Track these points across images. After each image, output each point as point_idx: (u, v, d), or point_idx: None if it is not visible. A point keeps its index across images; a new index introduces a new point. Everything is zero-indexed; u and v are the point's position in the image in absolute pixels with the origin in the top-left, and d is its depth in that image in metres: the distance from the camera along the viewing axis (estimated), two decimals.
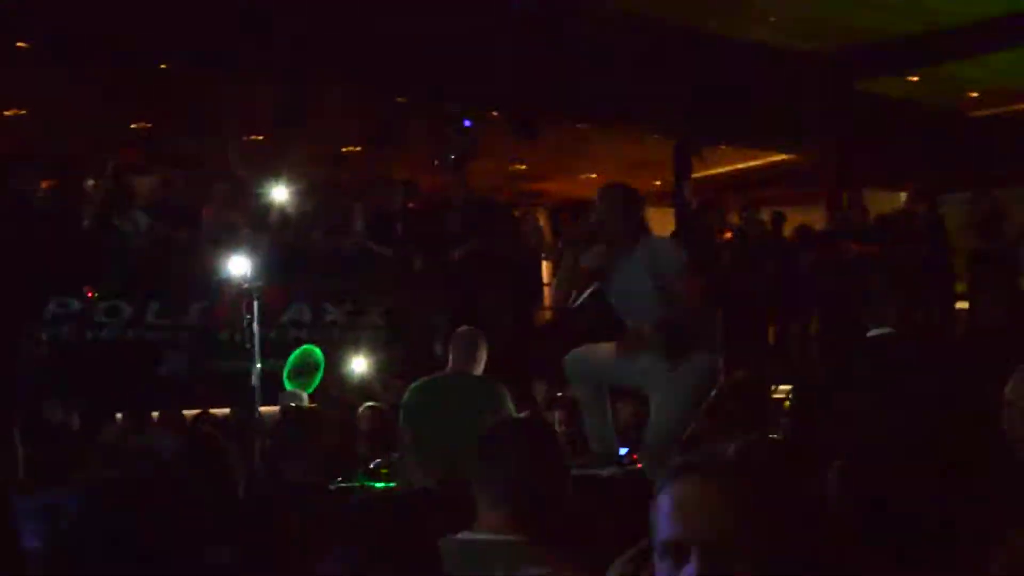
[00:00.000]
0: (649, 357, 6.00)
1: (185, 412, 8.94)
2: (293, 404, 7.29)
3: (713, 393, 6.03)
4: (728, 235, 14.34)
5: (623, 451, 6.39)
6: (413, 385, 6.89)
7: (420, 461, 6.40)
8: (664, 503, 2.30)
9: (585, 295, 6.32)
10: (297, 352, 7.68)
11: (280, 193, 11.64)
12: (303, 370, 7.57)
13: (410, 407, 6.74)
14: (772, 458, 3.42)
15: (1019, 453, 3.49)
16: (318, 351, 7.75)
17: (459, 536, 3.23)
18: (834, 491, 3.36)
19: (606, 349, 6.30)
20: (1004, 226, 13.56)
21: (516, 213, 14.20)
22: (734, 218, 14.53)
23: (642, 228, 6.22)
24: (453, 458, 5.86)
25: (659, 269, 5.97)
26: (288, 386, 7.49)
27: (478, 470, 3.36)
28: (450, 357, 6.83)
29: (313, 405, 7.35)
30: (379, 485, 6.56)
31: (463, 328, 7.00)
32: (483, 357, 6.85)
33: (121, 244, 10.90)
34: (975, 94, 14.82)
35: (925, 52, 12.89)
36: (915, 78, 14.05)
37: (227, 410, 8.85)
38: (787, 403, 7.74)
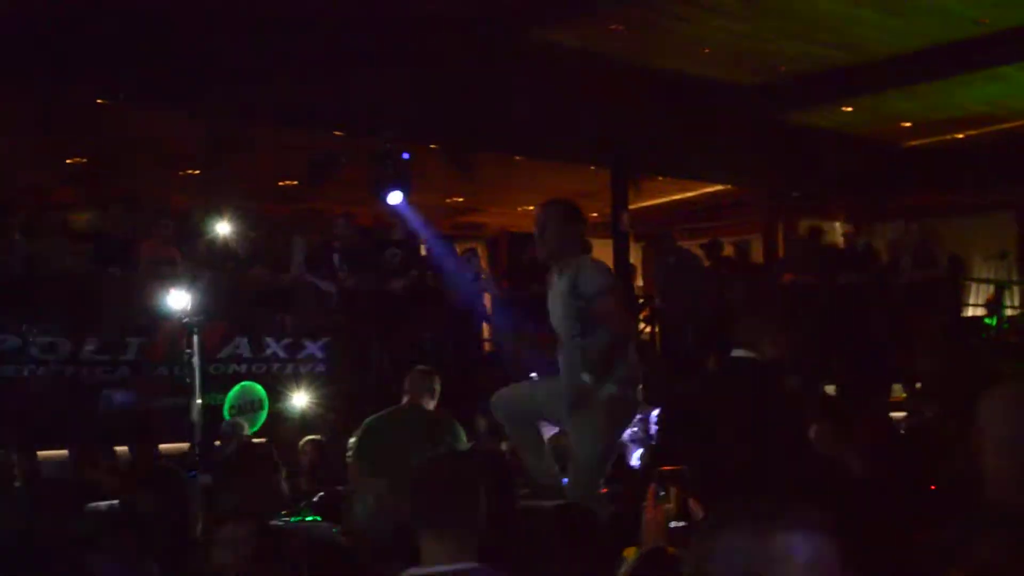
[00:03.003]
0: (561, 395, 5.96)
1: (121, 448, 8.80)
2: (241, 436, 7.22)
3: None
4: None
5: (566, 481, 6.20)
6: (367, 420, 6.91)
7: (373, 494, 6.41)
8: None
9: None
10: (236, 389, 7.52)
11: (220, 227, 11.54)
12: (244, 408, 7.45)
13: (363, 441, 6.79)
14: None
15: (991, 490, 2.94)
16: (260, 388, 7.59)
17: (413, 571, 3.21)
18: None
19: (527, 387, 6.40)
20: (937, 254, 13.80)
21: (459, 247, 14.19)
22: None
23: (575, 247, 6.14)
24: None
25: (579, 291, 5.89)
26: None
27: (424, 501, 3.36)
28: (406, 392, 6.89)
29: (261, 439, 7.29)
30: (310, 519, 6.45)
31: (420, 366, 7.10)
32: (437, 394, 6.98)
33: (57, 281, 10.71)
34: (908, 124, 15.01)
35: (857, 83, 13.04)
36: (849, 108, 14.21)
37: (171, 446, 8.73)
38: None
